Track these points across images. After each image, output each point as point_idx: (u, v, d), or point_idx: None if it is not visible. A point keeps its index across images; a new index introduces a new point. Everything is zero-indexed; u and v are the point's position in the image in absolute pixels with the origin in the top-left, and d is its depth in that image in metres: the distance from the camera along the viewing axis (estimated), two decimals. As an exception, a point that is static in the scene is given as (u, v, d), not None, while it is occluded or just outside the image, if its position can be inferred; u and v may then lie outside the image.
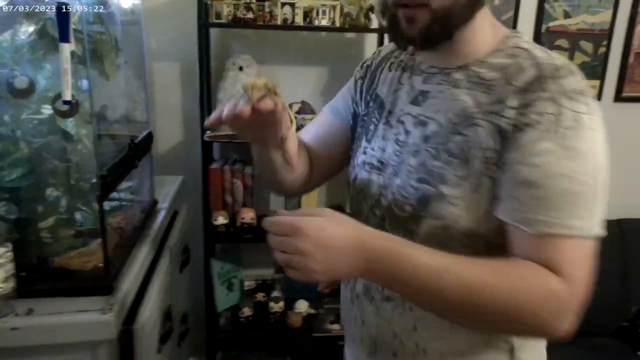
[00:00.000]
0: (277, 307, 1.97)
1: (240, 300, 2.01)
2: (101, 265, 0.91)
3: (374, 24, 1.85)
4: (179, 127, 1.99)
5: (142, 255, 1.09)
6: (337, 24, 1.76)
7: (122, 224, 1.09)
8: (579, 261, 0.65)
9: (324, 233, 0.63)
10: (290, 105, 1.90)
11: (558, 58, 0.71)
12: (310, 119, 1.82)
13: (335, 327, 1.98)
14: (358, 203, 0.88)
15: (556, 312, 0.64)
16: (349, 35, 1.99)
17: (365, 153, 0.87)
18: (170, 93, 1.94)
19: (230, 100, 0.71)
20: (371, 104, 0.89)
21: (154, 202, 1.35)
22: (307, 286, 2.05)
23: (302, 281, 0.64)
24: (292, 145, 0.82)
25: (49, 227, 0.91)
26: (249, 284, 2.10)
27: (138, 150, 1.15)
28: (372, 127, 0.87)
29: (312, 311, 2.02)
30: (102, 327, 0.87)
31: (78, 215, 0.95)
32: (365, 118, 0.90)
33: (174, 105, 1.96)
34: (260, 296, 2.04)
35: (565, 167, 0.65)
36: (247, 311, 1.96)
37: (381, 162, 0.83)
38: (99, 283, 0.91)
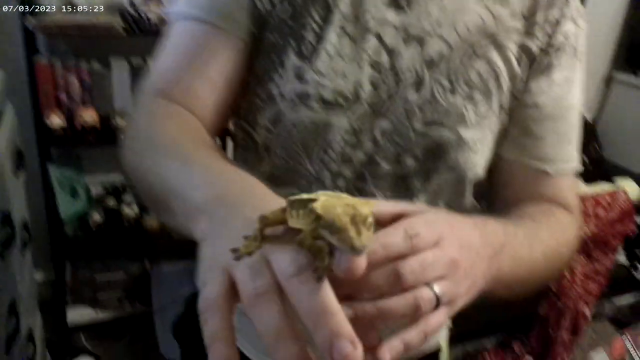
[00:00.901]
0: (131, 212, 1.89)
1: (88, 208, 1.89)
2: None
3: None
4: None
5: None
6: None
7: None
8: (574, 191, 0.63)
9: (459, 225, 0.42)
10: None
11: None
12: (158, 6, 1.66)
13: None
14: (292, 160, 0.60)
15: (574, 248, 0.60)
16: None
17: (301, 79, 0.57)
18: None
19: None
20: None
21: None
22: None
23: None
24: None
25: None
26: (96, 191, 1.97)
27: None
28: (310, 37, 0.58)
29: (171, 212, 1.98)
30: None
31: None
32: (289, 22, 0.58)
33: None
34: (111, 202, 1.93)
35: (576, 98, 0.61)
36: (97, 218, 1.85)
37: (343, 96, 0.57)
38: None
